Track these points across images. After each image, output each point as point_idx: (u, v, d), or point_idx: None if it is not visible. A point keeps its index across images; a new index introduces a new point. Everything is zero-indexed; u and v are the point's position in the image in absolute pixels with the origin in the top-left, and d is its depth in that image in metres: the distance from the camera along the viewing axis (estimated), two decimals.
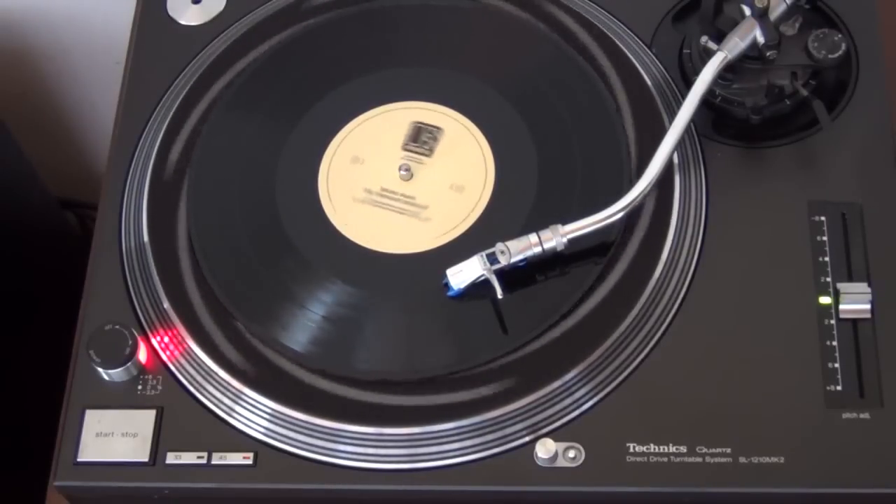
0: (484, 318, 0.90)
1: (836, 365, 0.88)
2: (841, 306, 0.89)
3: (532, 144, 0.96)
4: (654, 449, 0.86)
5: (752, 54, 0.94)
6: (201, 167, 0.98)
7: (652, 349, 0.89)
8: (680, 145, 0.94)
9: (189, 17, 1.06)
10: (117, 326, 0.91)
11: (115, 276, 0.95)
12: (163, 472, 0.88)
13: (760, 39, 0.93)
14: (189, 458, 0.88)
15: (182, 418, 0.90)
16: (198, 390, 0.91)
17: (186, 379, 0.91)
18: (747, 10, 0.94)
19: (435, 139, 0.96)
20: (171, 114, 1.01)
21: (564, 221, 0.90)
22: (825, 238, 0.92)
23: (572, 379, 0.88)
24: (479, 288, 0.90)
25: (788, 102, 0.96)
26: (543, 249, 0.90)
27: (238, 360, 0.91)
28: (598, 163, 0.95)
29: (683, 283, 0.91)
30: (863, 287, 0.90)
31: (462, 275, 0.90)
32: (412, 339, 0.91)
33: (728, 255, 0.92)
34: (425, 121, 0.98)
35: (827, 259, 0.92)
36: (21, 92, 1.47)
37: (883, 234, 0.92)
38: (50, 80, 1.47)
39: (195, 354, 0.91)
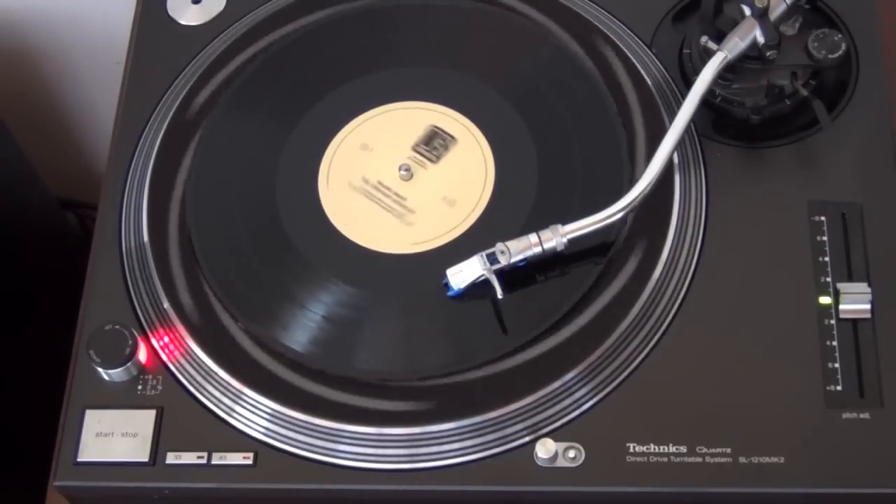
0: (484, 318, 0.90)
1: (836, 365, 0.88)
2: (841, 306, 0.89)
3: (532, 144, 0.96)
4: (654, 449, 0.86)
5: (752, 54, 0.94)
6: (201, 167, 0.98)
7: (652, 349, 0.89)
8: (680, 145, 0.94)
9: (189, 17, 1.06)
10: (117, 326, 0.91)
11: (115, 276, 0.95)
12: (163, 472, 0.88)
13: (760, 39, 0.93)
14: (189, 458, 0.88)
15: (182, 418, 0.90)
16: (198, 390, 0.91)
17: (186, 379, 0.91)
18: (747, 10, 0.94)
19: (446, 148, 0.96)
20: (171, 114, 1.01)
21: (564, 221, 0.90)
22: (825, 238, 0.92)
23: (572, 379, 0.88)
24: (479, 288, 0.90)
25: (788, 102, 0.96)
26: (543, 249, 0.90)
27: (238, 360, 0.91)
28: (598, 163, 0.95)
29: (683, 283, 0.91)
30: (863, 287, 0.90)
31: (462, 275, 0.90)
32: (412, 339, 0.91)
33: (728, 255, 0.92)
34: (443, 126, 0.98)
35: (827, 259, 0.92)
36: (21, 92, 1.47)
37: (883, 234, 0.92)
38: (50, 80, 1.47)
39: (195, 354, 0.91)
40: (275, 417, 0.89)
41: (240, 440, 0.89)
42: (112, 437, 0.89)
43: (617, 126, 0.96)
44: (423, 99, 0.99)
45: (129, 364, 0.90)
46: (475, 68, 1.00)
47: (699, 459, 0.86)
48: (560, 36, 1.01)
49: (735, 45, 0.93)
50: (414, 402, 0.89)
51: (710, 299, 0.91)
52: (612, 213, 0.90)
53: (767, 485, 0.85)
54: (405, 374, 0.89)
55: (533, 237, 0.90)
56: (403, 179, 0.96)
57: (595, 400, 0.88)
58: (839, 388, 0.88)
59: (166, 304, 0.93)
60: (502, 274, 0.90)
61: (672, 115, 0.95)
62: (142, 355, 0.91)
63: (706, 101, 0.95)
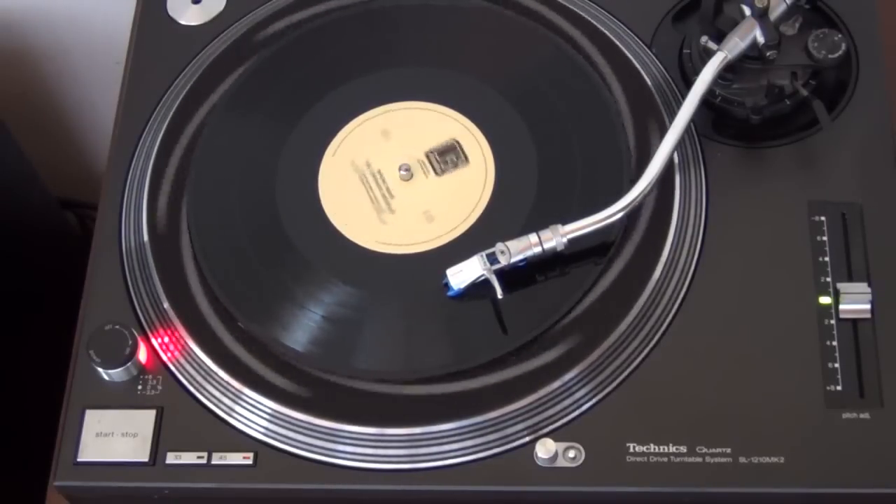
0: (484, 318, 0.90)
1: (836, 365, 0.88)
2: (841, 306, 0.89)
3: (532, 144, 0.96)
4: (654, 449, 0.86)
5: (752, 54, 0.94)
6: (201, 167, 0.98)
7: (652, 349, 0.89)
8: (680, 145, 0.94)
9: (189, 17, 1.06)
10: (117, 326, 0.91)
11: (115, 276, 0.95)
12: (163, 472, 0.88)
13: (760, 39, 0.93)
14: (189, 458, 0.88)
15: (182, 418, 0.90)
16: (198, 390, 0.91)
17: (186, 379, 0.91)
18: (747, 10, 0.94)
19: (455, 166, 0.96)
20: (171, 114, 1.01)
21: (564, 221, 0.90)
22: (825, 238, 0.92)
23: (572, 379, 0.88)
24: (479, 288, 0.90)
25: (788, 102, 0.96)
26: (543, 249, 0.90)
27: (238, 361, 0.91)
28: (598, 163, 0.95)
29: (683, 283, 0.91)
30: (863, 287, 0.90)
31: (462, 275, 0.90)
32: (412, 339, 0.91)
33: (728, 255, 0.92)
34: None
35: (827, 259, 0.92)
36: (21, 92, 1.47)
37: (883, 234, 0.92)
38: (50, 80, 1.47)
39: (195, 354, 0.91)
40: (275, 417, 0.89)
41: (240, 440, 0.89)
42: (112, 437, 0.89)
43: (617, 126, 0.96)
44: (423, 99, 0.99)
45: (129, 364, 0.90)
46: (475, 68, 1.00)
47: (699, 459, 0.86)
48: (560, 36, 1.01)
49: (735, 45, 0.93)
50: (414, 402, 0.89)
51: (710, 299, 0.91)
52: (612, 213, 0.90)
53: (767, 485, 0.85)
54: (405, 374, 0.89)
55: (533, 237, 0.90)
56: (402, 179, 0.96)
57: (595, 400, 0.88)
58: (839, 388, 0.88)
59: (166, 304, 0.93)
60: (502, 274, 0.90)
61: (672, 115, 0.95)
62: (142, 355, 0.91)
63: (706, 101, 0.95)
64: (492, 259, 0.90)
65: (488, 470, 0.87)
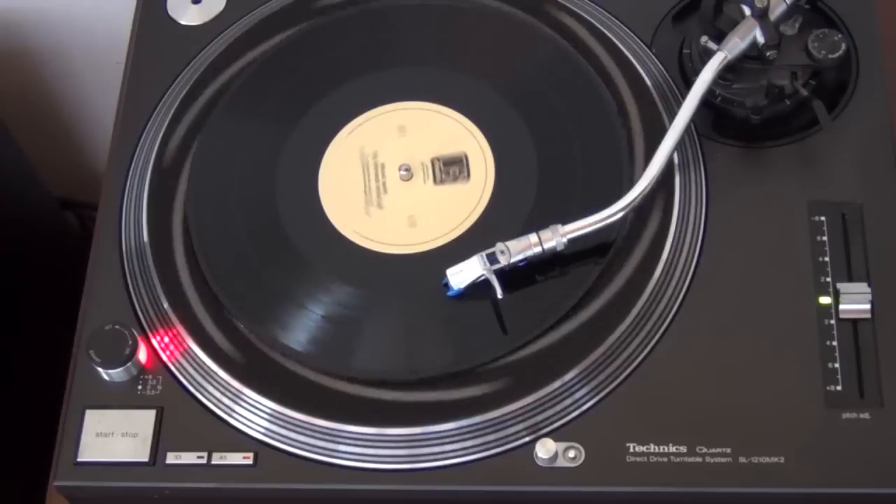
0: (484, 318, 0.90)
1: (836, 365, 0.88)
2: (841, 306, 0.89)
3: (532, 144, 0.96)
4: (654, 449, 0.86)
5: (752, 54, 0.94)
6: (201, 167, 0.98)
7: (652, 349, 0.89)
8: (680, 145, 0.94)
9: (189, 17, 1.06)
10: (117, 326, 0.91)
11: (115, 276, 0.95)
12: (163, 472, 0.88)
13: (760, 39, 0.93)
14: (189, 458, 0.88)
15: (182, 418, 0.90)
16: (198, 390, 0.91)
17: (186, 379, 0.91)
18: (747, 10, 0.94)
19: (455, 180, 0.96)
20: (171, 114, 1.01)
21: (564, 221, 0.90)
22: (825, 238, 0.92)
23: (572, 379, 0.88)
24: (479, 288, 0.90)
25: (788, 102, 0.96)
26: (543, 249, 0.90)
27: (238, 361, 0.91)
28: (598, 163, 0.95)
29: (683, 283, 0.91)
30: (863, 287, 0.90)
31: (462, 275, 0.90)
32: (412, 339, 0.91)
33: (728, 255, 0.92)
34: (470, 154, 0.97)
35: (827, 259, 0.92)
36: (21, 92, 1.47)
37: (883, 234, 0.92)
38: (50, 81, 1.47)
39: (195, 354, 0.91)
40: (275, 418, 0.89)
41: (240, 440, 0.89)
42: (112, 437, 0.89)
43: (617, 126, 0.96)
44: (423, 99, 0.99)
45: (129, 364, 0.90)
46: (475, 68, 1.00)
47: (699, 459, 0.86)
48: (560, 36, 1.01)
49: (735, 45, 0.93)
50: (414, 402, 0.89)
51: (710, 299, 0.91)
52: (612, 213, 0.90)
53: (767, 485, 0.85)
54: (405, 374, 0.89)
55: (533, 237, 0.90)
56: (401, 178, 0.96)
57: (595, 400, 0.88)
58: (839, 388, 0.88)
59: (166, 304, 0.93)
60: (502, 274, 0.90)
61: (672, 115, 0.95)
62: (142, 355, 0.91)
63: (706, 101, 0.95)
64: (492, 259, 0.90)
65: (488, 470, 0.87)
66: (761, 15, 0.93)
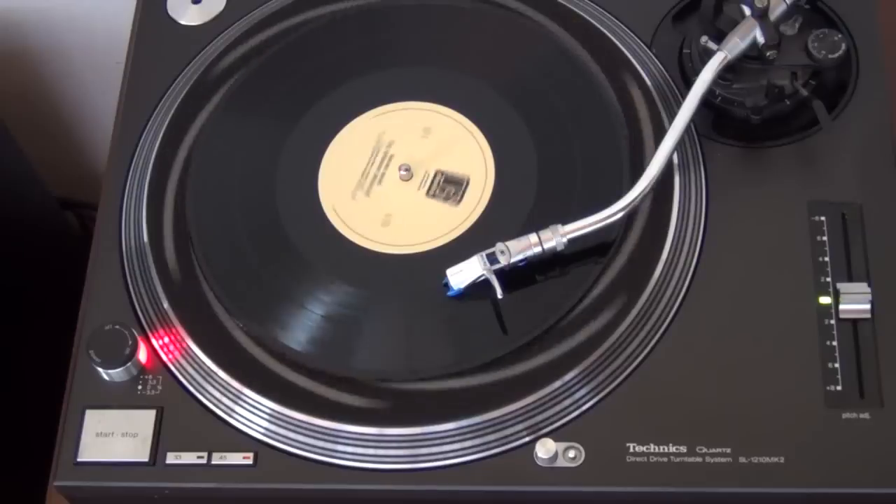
0: (484, 318, 0.90)
1: (836, 365, 0.88)
2: (841, 306, 0.89)
3: (532, 144, 0.96)
4: (654, 449, 0.86)
5: (752, 54, 0.94)
6: (201, 167, 0.98)
7: (652, 349, 0.89)
8: (680, 145, 0.94)
9: (189, 17, 1.06)
10: (117, 326, 0.91)
11: (115, 276, 0.95)
12: (163, 472, 0.88)
13: (760, 39, 0.93)
14: (189, 458, 0.88)
15: (182, 418, 0.90)
16: (198, 390, 0.91)
17: (186, 379, 0.91)
18: (747, 10, 0.94)
19: (445, 199, 0.95)
20: (172, 114, 1.01)
21: (564, 221, 0.90)
22: (825, 238, 0.92)
23: (572, 379, 0.88)
24: (479, 288, 0.90)
25: (788, 102, 0.96)
26: (543, 249, 0.90)
27: (238, 360, 0.91)
28: (598, 163, 0.95)
29: (683, 283, 0.91)
30: (863, 287, 0.90)
31: (462, 275, 0.90)
32: (412, 339, 0.91)
33: (728, 255, 0.92)
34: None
35: (827, 259, 0.92)
36: (21, 92, 1.47)
37: (883, 234, 0.92)
38: (50, 81, 1.47)
39: (195, 354, 0.91)
40: (275, 418, 0.89)
41: (240, 440, 0.89)
42: (112, 437, 0.89)
43: (617, 126, 0.96)
44: (423, 99, 0.99)
45: (129, 364, 0.90)
46: (475, 68, 1.00)
47: (699, 459, 0.86)
48: (560, 36, 1.01)
49: (735, 45, 0.93)
50: (414, 402, 0.89)
51: (710, 299, 0.91)
52: (612, 213, 0.90)
53: (767, 485, 0.85)
54: (405, 374, 0.89)
55: (533, 237, 0.90)
56: (401, 178, 0.96)
57: (595, 400, 0.88)
58: (839, 388, 0.88)
59: (166, 305, 0.93)
60: (502, 274, 0.90)
61: (672, 115, 0.95)
62: (142, 355, 0.91)
63: (706, 101, 0.95)
64: (492, 259, 0.90)
65: (488, 470, 0.87)
66: (761, 15, 0.93)
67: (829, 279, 0.91)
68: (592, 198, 0.92)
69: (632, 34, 1.01)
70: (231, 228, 0.96)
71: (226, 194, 0.97)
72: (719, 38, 0.94)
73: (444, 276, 0.90)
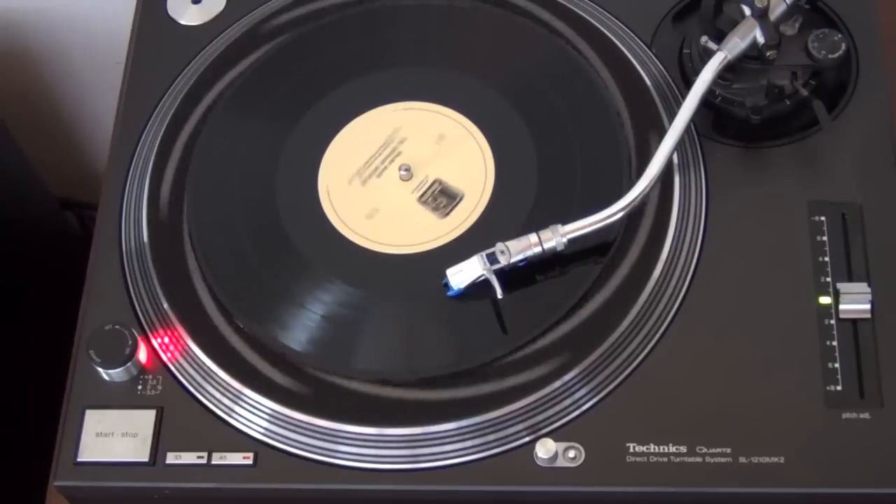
0: (484, 318, 0.90)
1: (836, 365, 0.88)
2: (841, 306, 0.89)
3: (532, 144, 0.96)
4: (654, 449, 0.86)
5: (752, 54, 0.94)
6: (201, 167, 0.98)
7: (652, 349, 0.89)
8: (680, 145, 0.94)
9: (189, 17, 1.06)
10: (117, 326, 0.91)
11: (115, 276, 0.95)
12: (163, 472, 0.88)
13: (760, 39, 0.93)
14: (189, 458, 0.88)
15: (182, 418, 0.90)
16: (198, 390, 0.91)
17: (186, 379, 0.91)
18: (747, 10, 0.94)
19: (434, 208, 0.95)
20: (172, 114, 1.01)
21: (564, 221, 0.90)
22: (825, 238, 0.92)
23: (572, 379, 0.88)
24: (479, 288, 0.90)
25: (788, 102, 0.96)
26: (543, 249, 0.90)
27: (238, 361, 0.91)
28: (598, 163, 0.95)
29: (683, 283, 0.91)
30: (863, 287, 0.90)
31: (462, 275, 0.90)
32: (412, 338, 0.91)
33: (728, 255, 0.92)
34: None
35: (827, 259, 0.92)
36: (21, 92, 1.47)
37: (883, 234, 0.92)
38: (50, 81, 1.47)
39: (195, 355, 0.91)
40: (275, 418, 0.89)
41: (240, 440, 0.89)
42: (112, 437, 0.89)
43: (617, 126, 0.96)
44: (423, 99, 0.99)
45: (129, 364, 0.90)
46: (475, 68, 1.00)
47: (699, 459, 0.86)
48: (560, 36, 1.01)
49: (735, 45, 0.93)
50: (413, 402, 0.89)
51: (710, 299, 0.91)
52: (612, 213, 0.90)
53: (767, 485, 0.85)
54: (405, 374, 0.89)
55: (533, 237, 0.90)
56: (400, 177, 0.96)
57: (595, 400, 0.88)
58: (839, 388, 0.88)
59: (166, 305, 0.93)
60: (502, 274, 0.90)
61: (672, 115, 0.95)
62: (142, 355, 0.91)
63: (706, 101, 0.95)
64: (492, 259, 0.90)
65: (488, 470, 0.87)
66: (761, 15, 0.93)
67: (829, 279, 0.91)
68: (592, 198, 0.92)
69: (632, 34, 1.01)
70: (231, 228, 0.96)
71: (226, 194, 0.97)
72: (719, 38, 0.94)
73: (444, 276, 0.90)
